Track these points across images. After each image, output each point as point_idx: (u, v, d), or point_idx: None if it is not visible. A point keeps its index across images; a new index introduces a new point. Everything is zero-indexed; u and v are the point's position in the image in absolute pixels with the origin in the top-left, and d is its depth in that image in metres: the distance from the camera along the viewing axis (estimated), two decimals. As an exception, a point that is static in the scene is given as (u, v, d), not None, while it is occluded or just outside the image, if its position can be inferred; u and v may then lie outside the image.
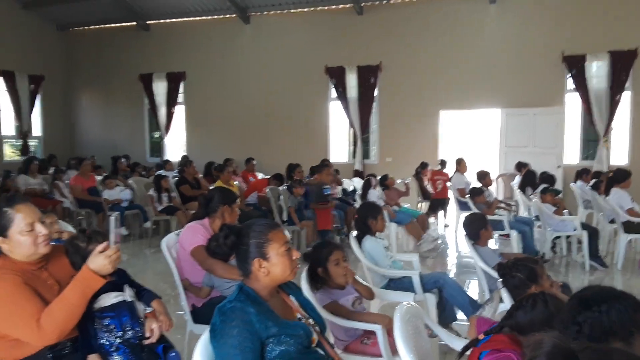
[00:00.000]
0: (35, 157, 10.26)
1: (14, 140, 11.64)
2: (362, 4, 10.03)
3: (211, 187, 7.75)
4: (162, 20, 11.47)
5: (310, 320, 1.77)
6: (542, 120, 9.09)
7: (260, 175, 9.34)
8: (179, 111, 11.74)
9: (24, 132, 11.33)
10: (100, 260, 1.80)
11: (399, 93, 10.07)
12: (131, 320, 1.93)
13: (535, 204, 5.90)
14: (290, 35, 10.73)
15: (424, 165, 8.58)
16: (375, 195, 6.77)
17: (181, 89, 11.60)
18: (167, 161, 10.22)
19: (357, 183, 9.03)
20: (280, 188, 6.99)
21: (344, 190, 8.37)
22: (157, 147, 12.14)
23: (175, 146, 12.07)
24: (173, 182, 7.77)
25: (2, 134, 11.27)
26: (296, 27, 10.69)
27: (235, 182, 8.01)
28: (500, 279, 2.22)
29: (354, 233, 3.60)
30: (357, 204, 7.37)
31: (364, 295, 2.63)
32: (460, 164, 7.97)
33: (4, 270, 1.84)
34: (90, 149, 12.00)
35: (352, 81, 10.26)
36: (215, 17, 11.04)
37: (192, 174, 7.92)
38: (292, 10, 10.54)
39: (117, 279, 2.00)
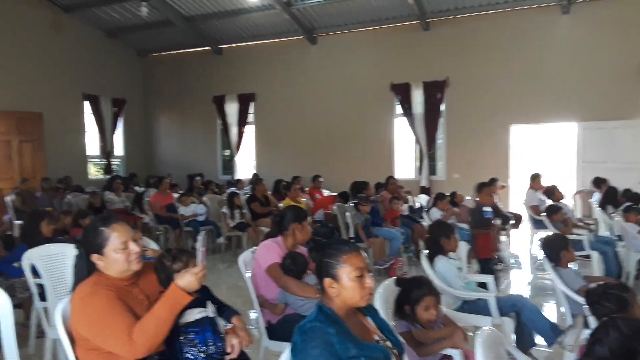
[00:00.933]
0: (119, 175, 11.01)
1: (98, 160, 12.52)
2: (428, 20, 10.01)
3: (280, 205, 8.05)
4: (233, 44, 11.99)
5: (388, 343, 1.77)
6: (622, 133, 8.59)
7: (326, 192, 9.46)
8: (249, 130, 12.16)
9: (107, 151, 12.17)
10: (188, 278, 1.90)
11: (467, 108, 9.90)
12: (213, 336, 2.01)
13: (617, 222, 5.56)
14: (356, 54, 10.87)
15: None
16: (438, 213, 6.65)
17: (251, 109, 12.02)
18: (239, 180, 10.58)
19: (424, 200, 8.94)
20: (347, 205, 7.06)
21: (410, 207, 8.31)
22: (229, 165, 12.62)
23: (245, 164, 12.48)
24: (244, 200, 8.04)
25: (88, 153, 12.14)
26: (361, 46, 10.83)
27: (303, 199, 8.18)
28: (588, 306, 2.13)
29: (425, 252, 3.55)
30: (425, 221, 7.31)
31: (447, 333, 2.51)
32: (535, 180, 7.66)
33: (98, 285, 1.95)
34: (167, 168, 12.67)
35: (417, 97, 10.21)
36: (284, 39, 11.40)
37: (262, 191, 8.16)
38: (358, 30, 10.69)
39: (200, 295, 2.10)
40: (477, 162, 9.73)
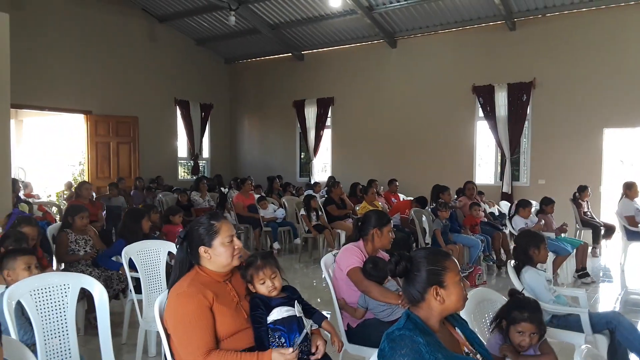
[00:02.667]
0: (204, 176, 11.61)
1: (186, 161, 13.26)
2: (515, 20, 9.62)
3: (356, 208, 8.10)
4: (314, 50, 12.22)
5: (479, 356, 1.74)
6: None
7: (402, 197, 9.38)
8: (327, 134, 12.33)
9: (195, 154, 12.86)
10: (279, 358, 1.95)
11: (555, 110, 9.38)
12: (300, 335, 2.06)
13: None
14: (436, 56, 10.68)
15: (582, 189, 7.86)
16: (522, 221, 6.35)
17: (329, 113, 12.19)
18: (317, 183, 10.74)
19: (505, 206, 8.60)
20: (425, 210, 6.96)
21: (492, 214, 8.03)
22: (306, 168, 12.87)
23: (321, 167, 12.67)
24: (320, 202, 8.18)
25: (178, 155, 12.89)
26: (442, 48, 10.62)
27: (379, 203, 8.17)
28: None
29: (512, 262, 3.41)
30: (507, 229, 7.03)
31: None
32: (631, 189, 7.12)
33: (194, 287, 2.04)
34: (249, 169, 13.16)
35: (501, 99, 9.83)
36: (364, 43, 11.46)
37: (338, 194, 8.25)
38: (440, 32, 10.50)
39: (290, 294, 2.20)
40: (566, 167, 9.19)
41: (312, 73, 12.33)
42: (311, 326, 2.18)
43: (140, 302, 3.62)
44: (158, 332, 3.49)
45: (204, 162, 13.54)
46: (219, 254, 2.12)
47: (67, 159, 12.83)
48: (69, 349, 2.54)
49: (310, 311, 2.25)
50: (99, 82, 10.79)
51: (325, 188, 10.07)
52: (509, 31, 9.73)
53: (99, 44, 10.83)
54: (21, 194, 8.50)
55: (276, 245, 7.85)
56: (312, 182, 11.69)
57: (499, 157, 10.18)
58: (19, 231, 3.77)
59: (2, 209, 5.22)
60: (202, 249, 2.13)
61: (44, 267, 3.63)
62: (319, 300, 5.19)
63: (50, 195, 11.06)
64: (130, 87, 11.40)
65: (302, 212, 7.65)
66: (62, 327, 2.54)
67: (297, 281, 6.34)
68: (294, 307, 2.15)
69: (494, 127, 9.89)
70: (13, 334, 2.31)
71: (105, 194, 8.84)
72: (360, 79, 11.65)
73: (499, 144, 9.94)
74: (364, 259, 2.96)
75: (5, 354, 1.71)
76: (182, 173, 13.22)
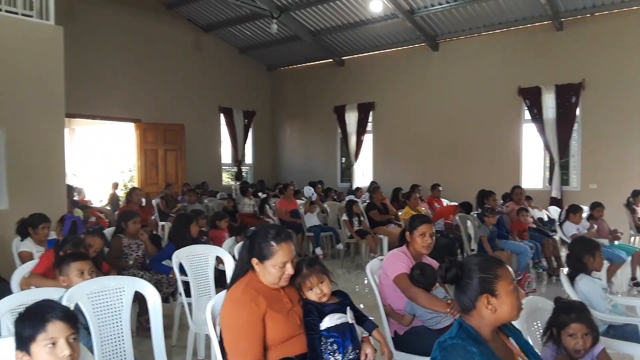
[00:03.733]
0: (246, 182, 11.79)
1: (230, 167, 13.52)
2: (562, 20, 9.32)
3: (399, 213, 8.04)
4: (355, 55, 12.24)
5: None
6: None
7: (445, 202, 9.23)
8: (367, 139, 12.30)
9: (238, 160, 13.10)
10: None
11: (606, 112, 9.01)
12: (352, 343, 2.06)
13: None
14: (480, 59, 10.48)
15: (637, 193, 7.50)
16: (574, 227, 6.11)
17: (370, 118, 12.16)
18: (358, 189, 10.72)
19: (554, 212, 8.32)
20: (470, 215, 6.83)
21: (540, 220, 7.79)
22: (347, 173, 12.88)
23: (362, 172, 12.64)
24: (363, 207, 8.16)
25: (222, 161, 13.16)
26: (486, 50, 10.41)
27: (422, 208, 8.08)
28: None
29: (565, 270, 3.29)
30: (557, 235, 6.80)
31: None
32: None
33: (248, 294, 2.07)
34: (290, 175, 13.29)
35: (549, 101, 9.53)
36: (405, 47, 11.38)
37: (380, 199, 8.21)
38: (484, 33, 10.31)
39: (342, 299, 2.20)
40: (618, 171, 8.80)
41: (353, 78, 12.35)
42: (362, 333, 2.18)
43: (190, 305, 3.70)
44: (207, 335, 3.63)
45: (247, 168, 13.78)
46: (268, 272, 2.12)
47: (116, 166, 13.31)
48: (124, 351, 2.62)
49: (361, 318, 2.24)
50: (147, 91, 11.18)
51: (367, 193, 10.05)
52: (555, 31, 9.44)
53: (148, 54, 11.22)
54: (75, 199, 8.89)
55: (319, 251, 7.88)
56: (354, 187, 11.69)
57: (547, 161, 9.86)
58: (77, 236, 3.95)
59: (57, 214, 5.47)
60: (254, 260, 2.15)
61: (105, 273, 3.75)
62: (362, 306, 5.17)
63: (101, 201, 11.51)
64: (177, 96, 11.74)
65: (345, 217, 7.65)
66: (118, 330, 2.62)
67: (339, 287, 6.31)
68: (346, 313, 2.14)
69: (542, 130, 9.60)
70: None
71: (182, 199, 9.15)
72: (402, 83, 11.57)
73: (547, 147, 9.63)
74: (410, 265, 2.93)
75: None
76: (226, 179, 13.48)
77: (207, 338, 3.76)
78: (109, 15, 10.57)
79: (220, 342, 2.13)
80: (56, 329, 1.60)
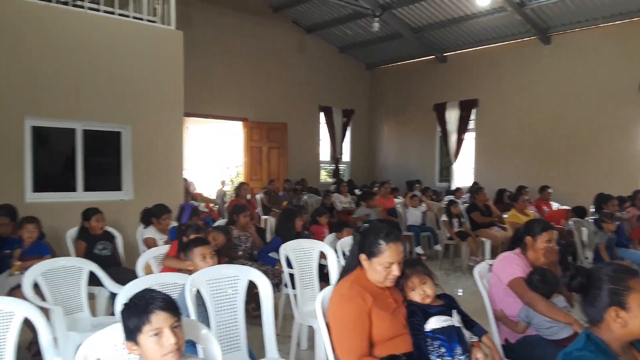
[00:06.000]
0: (342, 179, 11.97)
1: (327, 165, 13.77)
2: (699, 6, 8.34)
3: (504, 215, 7.69)
4: (458, 51, 11.89)
5: None
6: None
7: (555, 205, 8.67)
8: (469, 138, 11.89)
9: (336, 158, 13.30)
10: None
11: None
12: (460, 346, 2.03)
13: None
14: (597, 52, 9.67)
15: None
16: None
17: (472, 116, 11.74)
18: (458, 189, 10.43)
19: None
20: (584, 221, 6.37)
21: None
22: (446, 173, 12.55)
23: (462, 172, 12.25)
24: (464, 208, 7.92)
25: (320, 159, 13.44)
26: (604, 43, 9.57)
27: (530, 212, 7.65)
28: None
29: None
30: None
31: None
32: None
33: (355, 289, 2.09)
34: (387, 174, 13.24)
35: (676, 98, 8.57)
36: (512, 41, 10.84)
37: (482, 200, 7.90)
38: (601, 25, 9.50)
39: (447, 302, 2.18)
40: None
41: (455, 75, 12.00)
42: (470, 338, 2.14)
43: (294, 296, 3.84)
44: (310, 327, 3.76)
45: (344, 165, 13.94)
46: (375, 270, 2.14)
47: (223, 162, 14.11)
48: (238, 336, 2.78)
49: (469, 323, 2.20)
50: (254, 91, 11.72)
51: (468, 194, 9.73)
52: (687, 20, 8.47)
53: (255, 56, 11.74)
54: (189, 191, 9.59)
55: (419, 250, 7.79)
56: (453, 187, 11.37)
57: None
58: (197, 223, 4.29)
59: (175, 204, 5.96)
60: (362, 256, 2.17)
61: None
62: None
63: (210, 195, 12.28)
64: (281, 96, 12.18)
65: (444, 217, 7.48)
66: (233, 315, 2.78)
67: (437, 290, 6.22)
68: (451, 316, 2.12)
69: (669, 129, 8.66)
70: (194, 318, 2.59)
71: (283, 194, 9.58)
72: (508, 79, 11.03)
73: (676, 148, 8.68)
74: (526, 270, 2.79)
75: (188, 335, 1.90)
76: (324, 176, 13.75)
77: (310, 329, 3.90)
78: (221, 20, 11.20)
79: (329, 333, 2.18)
80: (160, 319, 1.62)
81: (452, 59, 12.15)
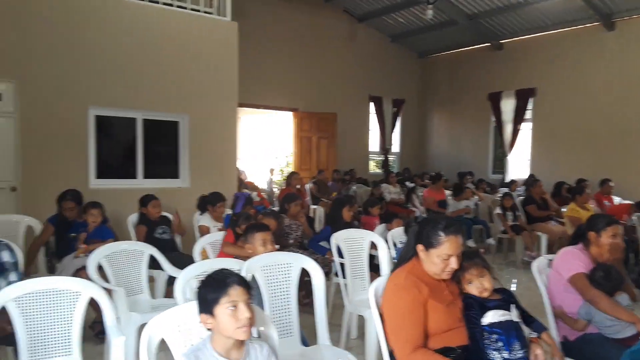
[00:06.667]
0: (391, 170, 11.86)
1: (376, 156, 13.67)
2: None
3: (563, 209, 7.39)
4: (515, 38, 11.47)
5: None
6: None
7: (616, 200, 8.25)
8: (525, 128, 11.48)
9: (385, 148, 13.19)
10: None
11: None
12: (518, 341, 1.98)
13: None
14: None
15: None
16: None
17: (529, 106, 11.32)
18: (513, 181, 10.10)
19: None
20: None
21: None
22: (500, 165, 12.19)
23: (517, 163, 11.86)
24: (519, 201, 7.68)
25: (369, 149, 13.37)
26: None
27: (591, 206, 7.32)
28: None
29: None
30: None
31: None
32: None
33: (411, 280, 2.07)
34: (437, 164, 13.02)
35: None
36: (573, 27, 10.34)
37: (539, 193, 7.63)
38: (672, 8, 8.91)
39: (505, 297, 2.13)
40: None
41: (512, 63, 11.59)
42: (529, 334, 2.09)
43: (345, 286, 3.85)
44: (360, 316, 3.78)
45: (393, 156, 13.80)
46: (432, 262, 2.10)
47: (273, 151, 14.32)
48: (291, 322, 2.82)
49: (528, 319, 2.15)
50: (304, 82, 11.76)
51: (523, 186, 9.43)
52: None
53: (306, 46, 11.77)
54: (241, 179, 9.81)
55: (470, 244, 7.63)
56: (507, 179, 11.04)
57: None
58: (247, 212, 4.39)
59: (228, 192, 6.11)
60: (420, 246, 2.14)
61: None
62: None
63: (260, 184, 12.50)
64: (331, 86, 12.16)
65: (498, 210, 7.29)
66: (286, 302, 2.83)
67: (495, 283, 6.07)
68: (509, 311, 2.08)
69: None
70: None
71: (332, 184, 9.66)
72: (568, 66, 10.55)
73: None
74: (588, 266, 2.68)
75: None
76: (372, 167, 13.68)
77: (360, 319, 3.92)
78: (274, 10, 11.26)
79: (383, 322, 2.17)
80: (236, 292, 1.73)
81: (508, 46, 11.73)
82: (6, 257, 3.10)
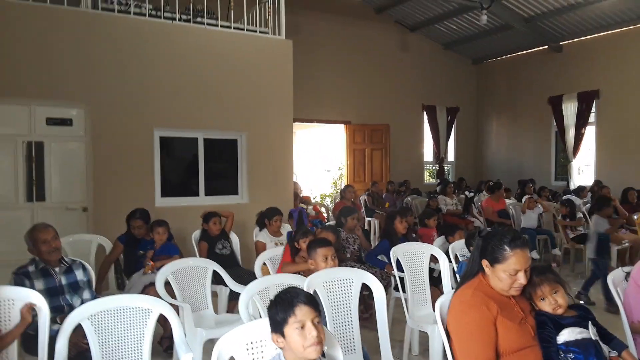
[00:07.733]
0: (447, 180, 11.61)
1: (431, 165, 13.45)
2: None
3: (635, 217, 6.97)
4: (575, 39, 11.02)
5: None
6: None
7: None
8: (589, 132, 10.96)
9: (440, 157, 12.96)
10: None
11: None
12: None
13: None
14: None
15: None
16: None
17: (593, 108, 10.81)
18: (582, 188, 9.60)
19: None
20: None
21: None
22: (563, 171, 11.68)
23: (580, 169, 11.32)
24: (586, 209, 7.33)
25: (424, 160, 13.19)
26: None
27: (665, 213, 6.88)
28: None
29: None
30: None
31: None
32: None
33: (478, 297, 2.01)
34: (495, 172, 12.63)
35: None
36: (637, 26, 9.82)
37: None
38: None
39: (582, 313, 2.05)
40: None
41: (572, 65, 11.13)
42: (609, 352, 2.00)
43: (406, 300, 3.79)
44: (421, 332, 3.72)
45: (448, 165, 13.54)
46: (499, 278, 2.04)
47: (326, 165, 14.40)
48: (353, 338, 2.82)
49: (607, 336, 2.06)
50: (357, 94, 11.79)
51: (590, 194, 8.99)
52: None
53: (358, 59, 11.80)
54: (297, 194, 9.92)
55: (534, 255, 7.32)
56: (572, 186, 10.55)
57: None
58: (305, 226, 4.44)
59: (285, 207, 6.21)
60: (485, 262, 2.08)
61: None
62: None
63: (316, 197, 12.60)
64: (383, 97, 12.12)
65: (561, 218, 6.98)
66: (348, 317, 2.84)
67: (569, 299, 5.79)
68: (587, 328, 2.00)
69: None
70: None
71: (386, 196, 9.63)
72: (634, 66, 10.00)
73: None
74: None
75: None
76: (427, 177, 13.46)
77: (422, 335, 3.85)
78: (325, 25, 11.38)
79: (449, 340, 2.13)
80: (303, 312, 1.76)
81: (568, 48, 11.28)
82: (80, 275, 3.30)
